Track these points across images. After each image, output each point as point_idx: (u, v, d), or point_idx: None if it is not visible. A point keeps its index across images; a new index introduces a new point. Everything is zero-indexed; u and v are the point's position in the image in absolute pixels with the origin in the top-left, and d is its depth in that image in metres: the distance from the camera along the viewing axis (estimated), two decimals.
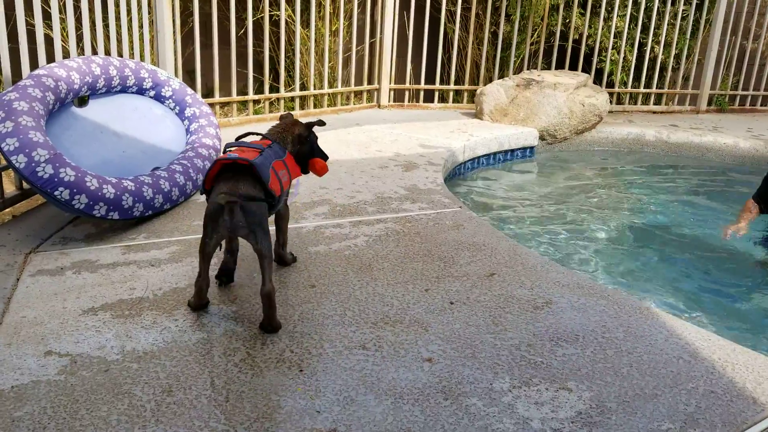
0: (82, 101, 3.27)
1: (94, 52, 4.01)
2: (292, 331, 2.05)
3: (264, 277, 2.03)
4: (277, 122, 2.46)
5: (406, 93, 6.50)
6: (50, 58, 3.31)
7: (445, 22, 6.46)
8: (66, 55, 3.64)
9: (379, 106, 6.29)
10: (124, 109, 3.39)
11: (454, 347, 1.99)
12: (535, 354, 1.96)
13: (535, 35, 6.61)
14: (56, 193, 2.59)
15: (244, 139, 2.34)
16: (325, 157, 2.51)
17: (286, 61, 5.70)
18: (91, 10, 3.82)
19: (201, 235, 2.08)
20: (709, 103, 7.29)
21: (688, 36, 6.94)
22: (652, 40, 6.82)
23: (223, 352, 1.92)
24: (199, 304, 2.18)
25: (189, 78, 4.97)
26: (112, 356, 1.89)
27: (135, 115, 3.40)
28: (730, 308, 2.98)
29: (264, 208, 2.09)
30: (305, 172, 2.46)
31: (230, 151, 2.20)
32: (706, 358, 1.96)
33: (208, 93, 5.17)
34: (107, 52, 3.87)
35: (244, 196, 2.01)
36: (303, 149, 2.42)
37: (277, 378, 1.80)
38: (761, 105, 7.57)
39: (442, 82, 6.63)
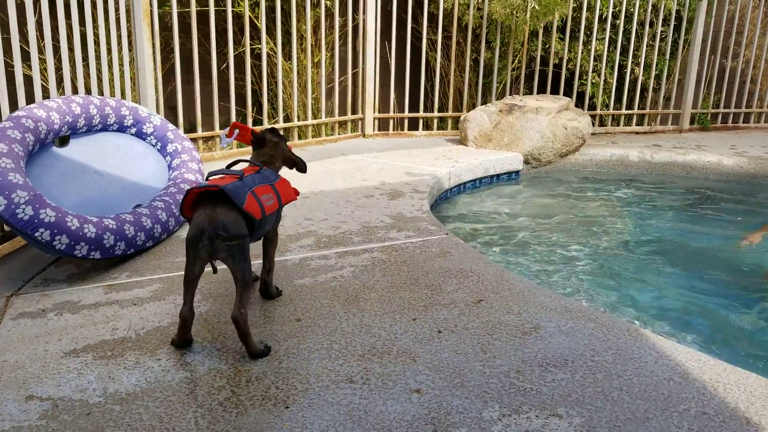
0: (63, 141, 3.25)
1: (75, 91, 4.01)
2: (278, 366, 2.01)
3: (237, 301, 2.05)
4: (265, 141, 2.49)
5: (391, 121, 6.53)
6: (30, 99, 3.31)
7: (426, 51, 6.52)
8: (46, 94, 3.63)
9: (363, 136, 6.31)
10: (105, 148, 3.37)
11: (442, 377, 1.96)
12: (525, 380, 1.94)
13: (516, 61, 6.68)
14: (37, 234, 2.56)
15: (234, 167, 2.36)
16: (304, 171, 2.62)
17: (269, 93, 5.72)
18: (71, 49, 3.83)
19: (183, 272, 2.07)
20: (692, 122, 7.36)
21: (667, 57, 7.03)
22: (632, 62, 6.90)
23: (207, 391, 1.88)
24: (182, 340, 2.14)
25: (171, 114, 4.97)
26: (94, 399, 1.84)
27: (116, 152, 3.38)
28: (720, 327, 2.96)
29: (241, 229, 2.09)
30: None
31: (211, 179, 2.23)
32: (697, 379, 1.94)
33: (191, 128, 5.16)
34: (88, 91, 3.87)
35: (223, 225, 2.03)
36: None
37: (262, 416, 1.76)
38: (743, 122, 7.66)
39: (425, 110, 6.67)
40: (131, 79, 4.51)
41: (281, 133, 2.72)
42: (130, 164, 3.40)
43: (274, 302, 2.48)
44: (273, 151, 2.48)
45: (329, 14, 5.95)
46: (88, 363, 2.04)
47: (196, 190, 2.12)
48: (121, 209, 3.10)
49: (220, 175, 2.24)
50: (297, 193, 2.49)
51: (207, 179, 2.25)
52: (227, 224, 2.03)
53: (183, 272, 2.07)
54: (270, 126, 2.36)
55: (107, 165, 3.29)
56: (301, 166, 2.59)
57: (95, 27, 4.09)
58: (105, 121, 3.41)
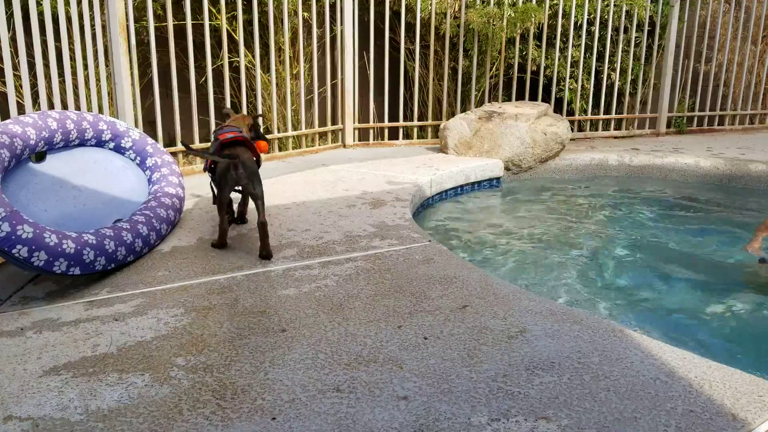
0: (40, 157, 3.21)
1: (51, 107, 3.97)
2: (264, 378, 1.99)
3: (259, 213, 3.00)
4: (229, 117, 3.49)
5: (371, 131, 6.53)
6: (5, 115, 3.27)
7: (404, 60, 6.54)
8: (21, 111, 3.59)
9: (344, 146, 6.31)
10: (83, 163, 3.34)
11: (429, 383, 1.95)
12: (512, 384, 1.93)
13: (494, 69, 6.72)
14: (14, 251, 2.52)
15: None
16: (265, 140, 3.51)
17: (248, 106, 5.70)
18: (47, 66, 3.80)
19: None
20: (669, 126, 7.45)
21: (642, 62, 7.12)
22: (608, 68, 6.98)
23: (192, 405, 1.86)
24: (220, 244, 3.16)
25: (150, 128, 4.94)
26: (76, 417, 1.81)
27: (94, 167, 3.35)
28: (704, 325, 2.99)
29: (256, 167, 3.06)
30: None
31: (224, 134, 3.13)
32: (683, 377, 1.95)
33: (170, 142, 5.13)
34: (65, 107, 3.83)
35: (243, 162, 2.97)
36: (251, 135, 3.45)
37: (249, 428, 1.74)
38: (719, 124, 7.76)
39: (405, 119, 6.68)
40: (109, 94, 4.48)
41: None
42: (109, 179, 3.37)
43: (259, 315, 2.46)
44: (236, 122, 3.40)
45: (307, 26, 5.96)
46: (68, 381, 2.01)
47: (225, 139, 3.05)
48: (100, 224, 3.06)
49: (232, 132, 3.13)
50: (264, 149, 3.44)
51: (217, 135, 3.18)
52: (246, 161, 3.00)
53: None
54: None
55: (86, 180, 3.25)
56: (263, 138, 3.51)
57: (71, 43, 4.06)
58: (83, 136, 3.38)
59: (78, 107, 3.94)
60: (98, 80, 4.23)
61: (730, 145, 6.61)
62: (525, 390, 1.90)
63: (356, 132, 6.40)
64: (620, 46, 6.91)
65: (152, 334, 2.31)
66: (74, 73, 3.91)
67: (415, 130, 6.73)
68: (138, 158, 3.57)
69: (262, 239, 3.00)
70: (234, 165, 2.96)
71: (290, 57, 5.82)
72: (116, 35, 4.31)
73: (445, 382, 1.96)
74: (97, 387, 1.96)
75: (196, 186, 4.47)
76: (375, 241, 3.35)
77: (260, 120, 3.73)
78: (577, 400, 1.84)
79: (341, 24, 6.01)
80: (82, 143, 3.41)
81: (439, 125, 6.34)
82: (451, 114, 6.65)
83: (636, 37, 7.01)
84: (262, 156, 3.74)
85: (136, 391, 1.94)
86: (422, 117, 6.79)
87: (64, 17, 3.92)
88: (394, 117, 6.63)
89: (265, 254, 3.00)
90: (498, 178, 5.51)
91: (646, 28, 6.99)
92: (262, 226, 2.97)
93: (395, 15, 6.42)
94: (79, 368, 2.09)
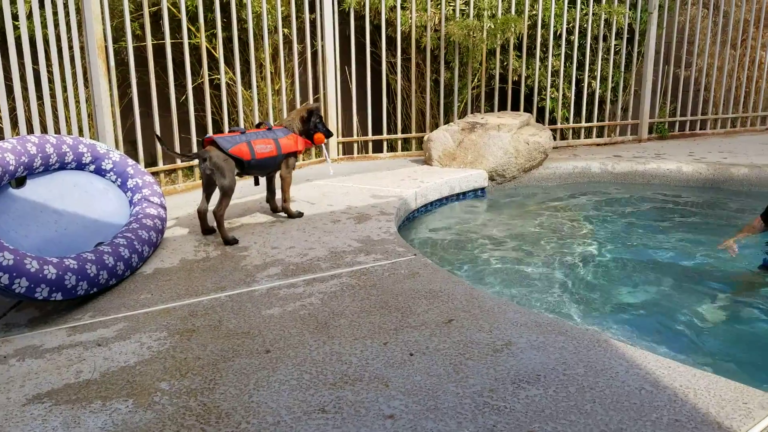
0: (20, 182, 3.19)
1: (31, 130, 3.95)
2: (248, 401, 1.97)
3: (218, 203, 3.58)
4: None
5: (355, 145, 6.54)
6: None
7: (387, 73, 6.56)
8: (0, 135, 3.56)
9: None
10: (64, 186, 3.31)
11: (415, 400, 1.94)
12: (498, 399, 1.93)
13: (476, 80, 6.76)
14: None
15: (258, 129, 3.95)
16: (328, 134, 4.09)
17: (230, 122, 5.69)
18: (25, 89, 3.77)
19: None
20: (650, 131, 7.51)
21: (622, 69, 7.18)
22: (589, 76, 7.03)
23: (176, 430, 1.84)
24: (204, 229, 3.76)
25: (132, 148, 4.92)
26: None
27: (75, 191, 3.33)
28: (689, 333, 2.99)
29: (223, 162, 3.60)
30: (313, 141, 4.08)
31: (219, 134, 3.72)
32: (667, 387, 1.95)
33: (152, 161, 5.11)
34: (45, 130, 3.81)
35: (210, 157, 3.60)
36: (307, 127, 4.05)
37: None
38: (700, 129, 7.83)
39: (389, 132, 6.70)
40: (89, 115, 4.46)
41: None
42: (90, 202, 3.35)
43: (243, 336, 2.44)
44: (291, 117, 4.08)
45: (287, 42, 5.97)
46: (52, 408, 1.98)
47: (207, 139, 3.67)
48: (82, 248, 3.03)
49: (231, 132, 3.76)
50: (306, 144, 4.06)
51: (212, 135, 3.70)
52: (212, 156, 3.58)
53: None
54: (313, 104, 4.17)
55: (66, 204, 3.23)
56: (322, 131, 4.09)
57: (49, 65, 4.04)
58: (62, 160, 3.35)
59: (58, 130, 3.92)
60: (78, 102, 4.21)
61: (712, 149, 6.67)
62: (511, 404, 1.90)
63: (340, 146, 6.40)
64: (600, 54, 6.97)
65: (135, 359, 2.29)
66: (53, 96, 3.89)
67: (399, 142, 6.74)
68: (119, 180, 3.55)
69: (217, 227, 3.62)
70: (202, 159, 3.59)
71: (272, 73, 5.82)
72: (95, 57, 4.29)
73: (431, 398, 1.95)
74: (81, 414, 1.94)
75: (179, 206, 4.45)
76: (360, 256, 3.34)
77: (318, 111, 4.07)
78: (562, 413, 1.84)
79: (322, 39, 6.03)
80: (63, 167, 3.38)
81: (422, 137, 6.35)
82: (435, 126, 6.68)
83: (615, 45, 7.08)
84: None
85: (120, 417, 1.92)
86: (406, 129, 6.81)
87: (41, 39, 3.90)
88: (377, 130, 6.64)
89: (222, 240, 3.61)
90: (482, 189, 5.52)
91: (626, 35, 7.06)
92: (214, 214, 3.59)
93: (376, 29, 6.45)
94: (62, 395, 2.06)
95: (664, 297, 3.37)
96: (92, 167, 3.49)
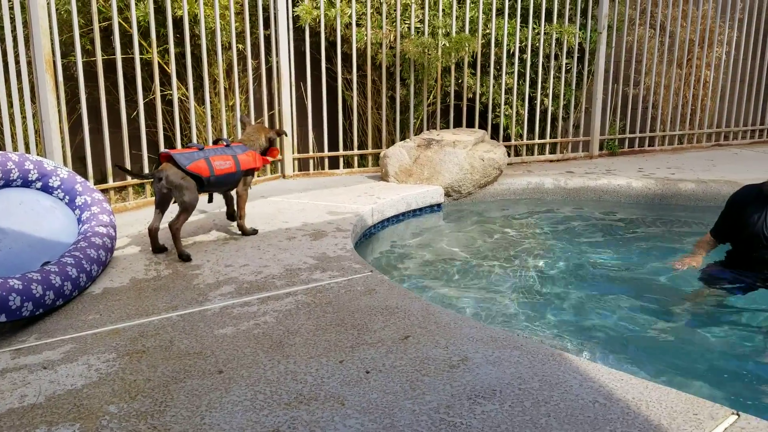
0: None
1: None
2: (200, 423, 1.92)
3: (175, 216, 3.56)
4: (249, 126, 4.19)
5: (311, 161, 6.51)
6: None
7: (342, 90, 6.56)
8: None
9: (284, 177, 6.26)
10: (9, 204, 3.21)
11: (372, 419, 1.92)
12: (455, 415, 1.92)
13: (431, 96, 6.81)
14: None
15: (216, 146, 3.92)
16: (282, 133, 4.39)
17: (182, 138, 5.61)
18: None
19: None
20: (601, 148, 7.66)
21: (573, 87, 7.32)
22: (541, 93, 7.16)
23: None
24: (154, 248, 3.65)
25: (81, 164, 4.80)
26: None
27: (20, 209, 3.23)
28: (641, 344, 3.04)
29: (181, 180, 3.55)
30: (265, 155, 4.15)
31: (175, 150, 3.67)
32: (620, 399, 1.97)
33: (102, 178, 4.99)
34: None
35: (166, 175, 3.53)
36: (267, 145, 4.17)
37: None
38: (649, 145, 8.03)
39: (345, 148, 6.68)
40: (36, 131, 4.34)
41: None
42: (37, 220, 3.25)
43: (195, 356, 2.39)
44: (253, 134, 4.11)
45: (242, 57, 5.92)
46: None
47: (163, 155, 3.62)
48: (27, 268, 2.94)
49: (188, 148, 3.73)
50: (263, 161, 4.12)
51: (170, 150, 3.67)
52: (169, 174, 3.53)
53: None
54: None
55: (11, 222, 3.13)
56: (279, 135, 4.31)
57: None
58: (7, 177, 3.25)
59: (3, 146, 3.80)
60: (24, 118, 4.10)
61: (660, 165, 6.84)
62: (467, 420, 1.89)
63: (296, 162, 6.37)
64: (552, 72, 7.10)
65: (83, 382, 2.21)
66: None
67: (356, 158, 6.73)
68: (67, 197, 3.45)
69: (173, 241, 3.59)
70: (158, 178, 3.54)
71: (225, 89, 5.77)
72: (42, 72, 4.19)
73: (387, 416, 1.93)
74: None
75: (129, 223, 4.35)
76: (316, 273, 3.31)
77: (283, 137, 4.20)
78: (518, 428, 1.84)
79: (277, 55, 6.00)
80: (8, 184, 3.28)
81: (379, 153, 6.36)
82: (391, 142, 6.69)
83: (567, 64, 7.22)
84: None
85: None
86: (362, 146, 6.81)
87: None
88: (334, 146, 6.63)
89: (179, 256, 3.55)
90: (439, 205, 5.55)
91: (576, 54, 7.21)
92: (170, 227, 3.57)
93: (332, 45, 6.45)
94: (5, 421, 1.98)
95: (616, 310, 3.42)
96: (39, 184, 3.40)
